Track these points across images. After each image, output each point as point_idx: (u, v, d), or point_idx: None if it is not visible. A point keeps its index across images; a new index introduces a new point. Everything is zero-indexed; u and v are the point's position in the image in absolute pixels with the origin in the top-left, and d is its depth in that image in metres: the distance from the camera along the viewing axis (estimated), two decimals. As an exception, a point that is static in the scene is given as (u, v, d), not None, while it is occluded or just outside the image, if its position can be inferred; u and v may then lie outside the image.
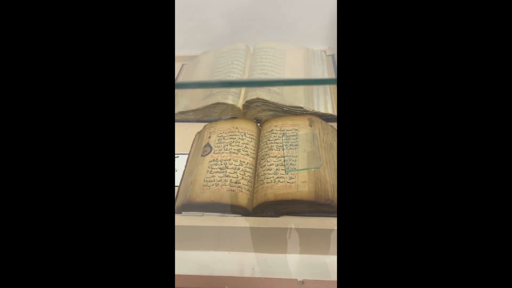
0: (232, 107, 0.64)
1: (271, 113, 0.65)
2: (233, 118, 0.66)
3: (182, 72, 0.80)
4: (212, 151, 0.56)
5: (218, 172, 0.53)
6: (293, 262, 0.51)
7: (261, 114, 0.65)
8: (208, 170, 0.53)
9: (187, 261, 0.52)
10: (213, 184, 0.51)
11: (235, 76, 0.68)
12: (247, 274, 0.51)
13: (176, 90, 0.74)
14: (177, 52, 0.83)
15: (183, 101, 0.69)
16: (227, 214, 0.50)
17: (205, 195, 0.50)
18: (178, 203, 0.52)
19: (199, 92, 0.68)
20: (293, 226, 0.48)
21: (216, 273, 0.51)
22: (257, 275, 0.50)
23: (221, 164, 0.54)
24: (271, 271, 0.51)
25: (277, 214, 0.49)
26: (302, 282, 0.49)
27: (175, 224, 0.50)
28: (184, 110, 0.67)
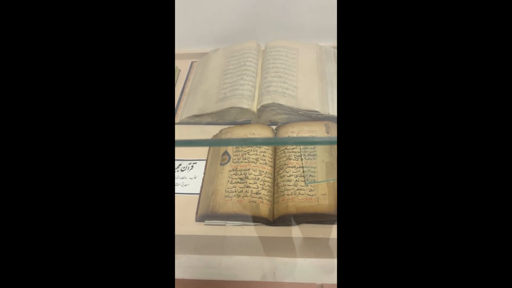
0: (247, 110, 0.65)
1: (286, 116, 0.65)
2: (248, 121, 0.67)
3: (192, 70, 0.79)
4: (231, 159, 0.58)
5: (238, 182, 0.54)
6: (312, 267, 0.54)
7: (275, 117, 0.66)
8: (228, 180, 0.55)
9: (211, 266, 0.55)
10: (234, 195, 0.53)
11: (248, 79, 0.67)
12: (269, 278, 0.54)
13: (188, 93, 0.74)
14: (186, 49, 0.81)
15: (196, 104, 0.69)
16: (249, 223, 0.52)
17: (228, 206, 0.52)
18: (200, 212, 0.54)
19: (213, 94, 0.68)
20: (312, 236, 0.50)
21: (239, 278, 0.54)
22: (278, 279, 0.53)
23: (241, 174, 0.55)
24: (292, 276, 0.54)
25: (297, 223, 0.51)
26: (322, 285, 0.52)
27: (200, 234, 0.52)
28: (198, 113, 0.67)
